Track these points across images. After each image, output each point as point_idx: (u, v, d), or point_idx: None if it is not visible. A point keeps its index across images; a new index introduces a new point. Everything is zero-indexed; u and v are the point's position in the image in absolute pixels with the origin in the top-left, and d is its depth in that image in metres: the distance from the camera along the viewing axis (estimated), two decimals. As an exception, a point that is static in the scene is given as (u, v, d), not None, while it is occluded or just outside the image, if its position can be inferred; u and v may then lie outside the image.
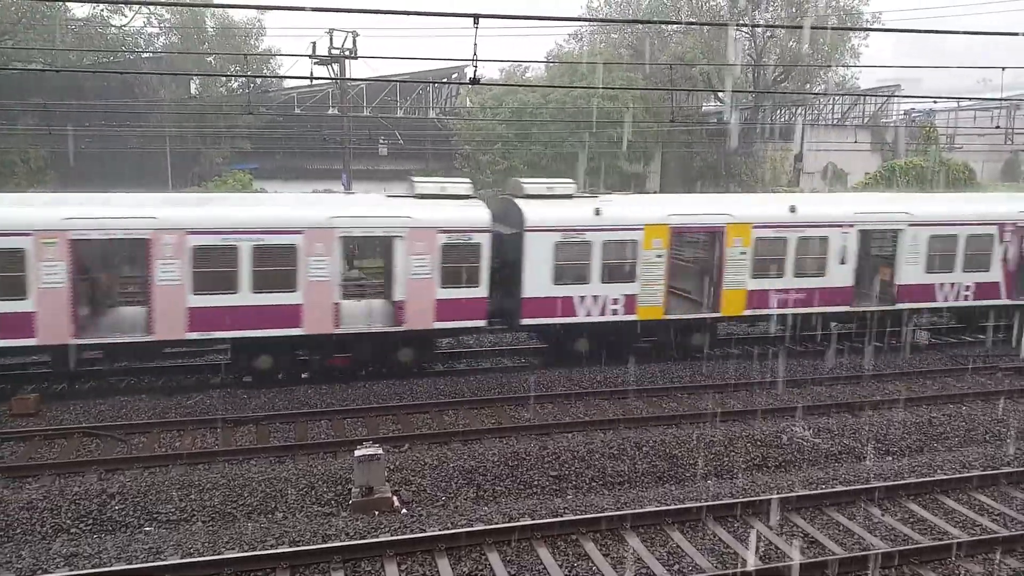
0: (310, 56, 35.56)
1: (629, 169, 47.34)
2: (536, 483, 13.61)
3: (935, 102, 44.91)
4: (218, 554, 10.66)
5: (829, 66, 51.29)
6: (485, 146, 45.79)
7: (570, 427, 16.02)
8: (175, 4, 45.05)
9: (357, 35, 35.82)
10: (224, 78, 48.18)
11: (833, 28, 47.20)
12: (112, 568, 10.20)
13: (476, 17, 12.15)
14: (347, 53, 35.65)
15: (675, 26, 48.72)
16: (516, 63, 53.86)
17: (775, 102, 56.49)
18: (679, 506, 12.06)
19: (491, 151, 45.45)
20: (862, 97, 58.75)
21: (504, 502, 12.93)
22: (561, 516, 11.81)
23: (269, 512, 12.45)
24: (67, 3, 40.22)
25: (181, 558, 10.55)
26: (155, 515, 12.20)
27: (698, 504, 12.07)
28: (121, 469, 13.74)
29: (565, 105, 43.08)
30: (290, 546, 10.87)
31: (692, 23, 49.26)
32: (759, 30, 48.04)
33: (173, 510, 12.31)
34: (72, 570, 10.30)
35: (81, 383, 18.61)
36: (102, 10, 45.11)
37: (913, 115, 61.40)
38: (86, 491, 12.65)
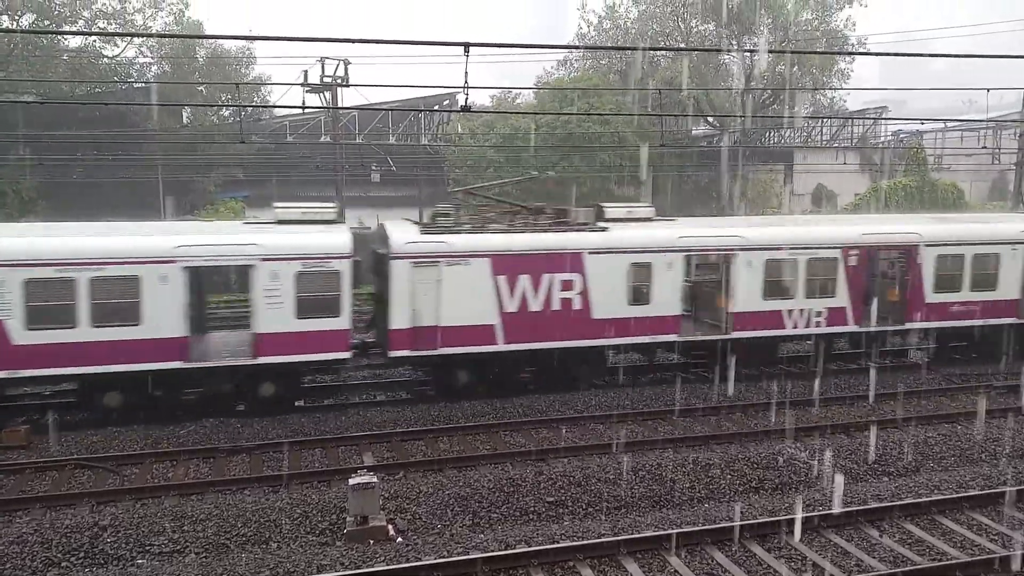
0: (302, 84, 35.85)
1: (620, 192, 47.54)
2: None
3: (922, 123, 45.43)
4: (212, 586, 10.55)
5: (816, 89, 51.86)
6: (477, 171, 45.98)
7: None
8: (167, 36, 45.44)
9: (349, 63, 36.15)
10: (216, 107, 48.47)
11: (819, 52, 47.75)
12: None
13: (467, 46, 12.27)
14: (339, 81, 35.94)
15: (664, 52, 49.23)
16: (507, 89, 54.22)
17: (764, 125, 57.00)
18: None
19: (483, 176, 45.62)
20: (850, 119, 59.34)
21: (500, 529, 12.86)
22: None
23: (263, 542, 12.33)
24: (60, 35, 40.49)
25: (174, 591, 10.43)
26: (148, 547, 12.06)
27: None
28: (113, 501, 13.58)
29: (555, 130, 43.39)
30: (284, 577, 10.76)
31: (681, 49, 49.78)
32: (748, 54, 48.60)
33: (166, 542, 12.18)
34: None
35: (73, 414, 18.48)
36: (94, 41, 45.45)
37: (901, 136, 62.01)
38: (77, 524, 12.50)
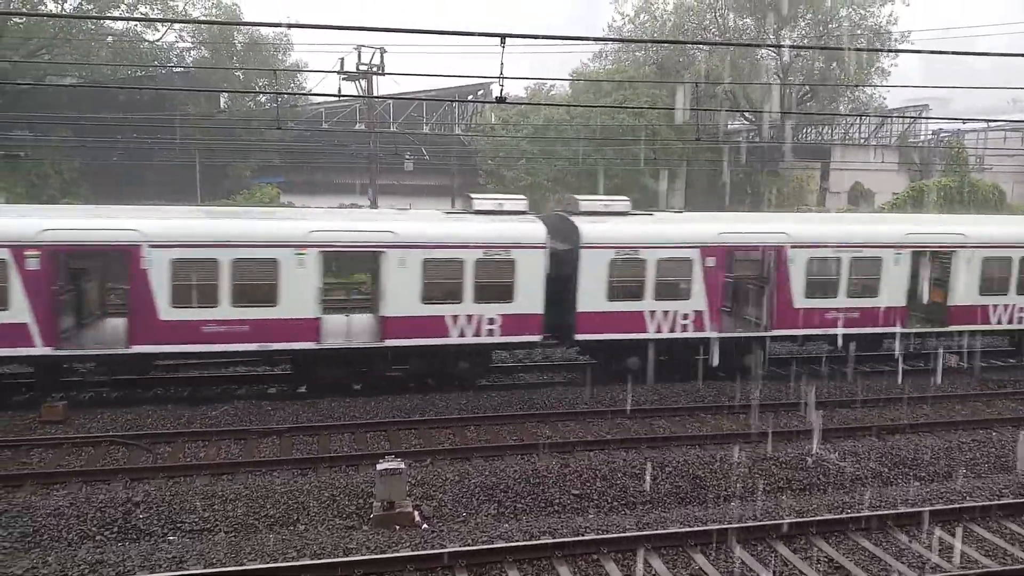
0: (338, 72, 36.02)
1: (653, 186, 47.26)
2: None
3: (963, 122, 44.56)
4: (240, 565, 10.75)
5: (855, 85, 51.00)
6: (509, 162, 45.97)
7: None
8: (205, 23, 45.92)
9: (385, 52, 36.25)
10: (253, 93, 48.96)
11: (859, 49, 46.97)
12: (136, 576, 10.31)
13: (503, 37, 12.31)
14: (375, 69, 36.09)
15: (701, 45, 48.66)
16: (541, 80, 54.05)
17: (801, 121, 56.24)
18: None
19: (515, 167, 45.63)
20: (889, 117, 58.36)
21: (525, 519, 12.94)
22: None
23: (291, 524, 12.54)
24: (95, 19, 41.11)
25: (204, 568, 10.65)
26: (179, 524, 12.33)
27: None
28: (146, 478, 13.87)
29: (589, 121, 43.21)
30: (312, 559, 10.94)
31: (718, 43, 49.26)
32: (785, 49, 47.90)
33: (196, 520, 12.43)
34: (97, 578, 10.43)
35: (108, 392, 18.90)
36: (135, 25, 46.11)
37: (942, 135, 60.88)
38: (112, 499, 12.80)
